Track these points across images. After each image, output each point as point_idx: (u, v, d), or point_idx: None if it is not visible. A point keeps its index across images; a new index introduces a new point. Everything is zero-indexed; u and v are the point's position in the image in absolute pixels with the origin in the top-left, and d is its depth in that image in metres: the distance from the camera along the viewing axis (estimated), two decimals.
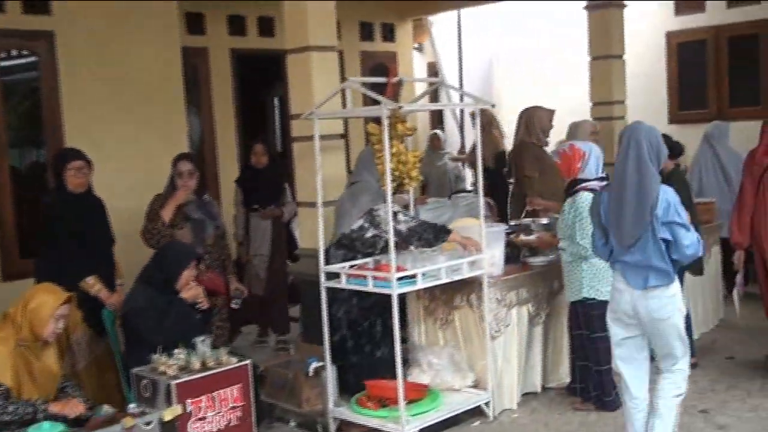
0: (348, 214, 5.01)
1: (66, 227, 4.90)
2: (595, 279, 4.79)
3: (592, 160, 4.86)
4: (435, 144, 9.57)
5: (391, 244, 4.29)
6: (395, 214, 4.86)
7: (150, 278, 4.59)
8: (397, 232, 4.85)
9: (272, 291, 6.71)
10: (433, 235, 4.79)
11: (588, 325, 4.84)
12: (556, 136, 6.88)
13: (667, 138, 5.95)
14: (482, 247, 4.86)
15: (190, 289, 4.61)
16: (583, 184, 4.80)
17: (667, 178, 5.76)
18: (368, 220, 4.92)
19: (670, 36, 9.99)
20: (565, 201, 4.92)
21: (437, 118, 11.66)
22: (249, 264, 6.73)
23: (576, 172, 4.84)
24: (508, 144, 7.50)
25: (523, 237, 5.37)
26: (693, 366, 5.70)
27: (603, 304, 4.74)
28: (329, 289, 4.76)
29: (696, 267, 5.97)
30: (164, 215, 5.23)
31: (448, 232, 4.87)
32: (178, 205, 5.31)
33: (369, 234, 4.91)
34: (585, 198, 4.73)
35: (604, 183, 4.88)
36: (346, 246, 5.01)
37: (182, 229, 5.32)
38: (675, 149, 5.92)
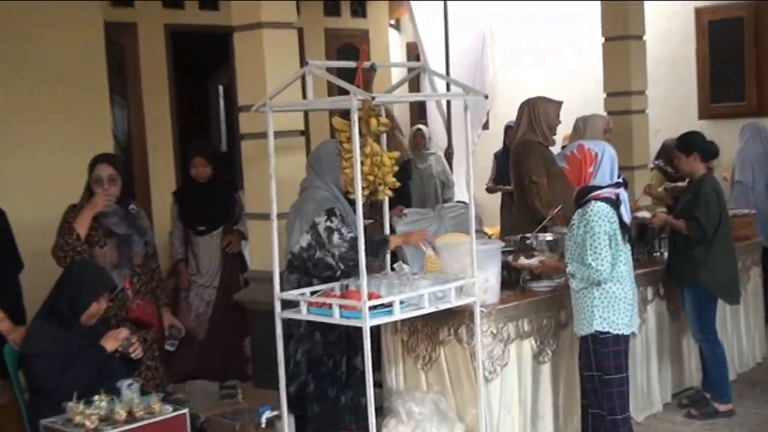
0: (294, 228, 5.04)
1: None
2: (609, 309, 4.81)
3: (606, 162, 4.89)
4: (418, 142, 9.57)
5: (362, 267, 4.28)
6: (330, 232, 4.91)
7: (52, 309, 4.54)
8: (320, 264, 4.93)
9: (225, 334, 6.52)
10: (371, 253, 4.82)
11: (600, 365, 4.86)
12: (562, 134, 6.93)
13: (699, 137, 6.04)
14: (427, 236, 5.02)
15: (111, 337, 4.57)
16: (596, 192, 4.83)
17: (698, 185, 5.84)
18: (313, 237, 4.94)
19: (700, 12, 10.08)
20: (574, 213, 4.94)
21: (419, 111, 11.70)
22: (185, 295, 6.58)
23: (588, 178, 4.88)
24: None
25: (523, 260, 5.37)
26: (728, 414, 5.77)
27: (618, 339, 4.80)
28: (285, 323, 4.74)
29: (730, 294, 6.03)
30: (79, 228, 5.18)
31: (386, 242, 4.99)
32: (96, 217, 5.26)
33: (318, 254, 4.93)
34: (598, 209, 4.76)
35: (621, 189, 4.92)
36: (299, 269, 5.01)
37: (104, 247, 5.29)
38: (709, 151, 5.99)
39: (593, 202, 4.81)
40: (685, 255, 5.88)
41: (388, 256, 5.19)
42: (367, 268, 4.83)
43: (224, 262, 6.58)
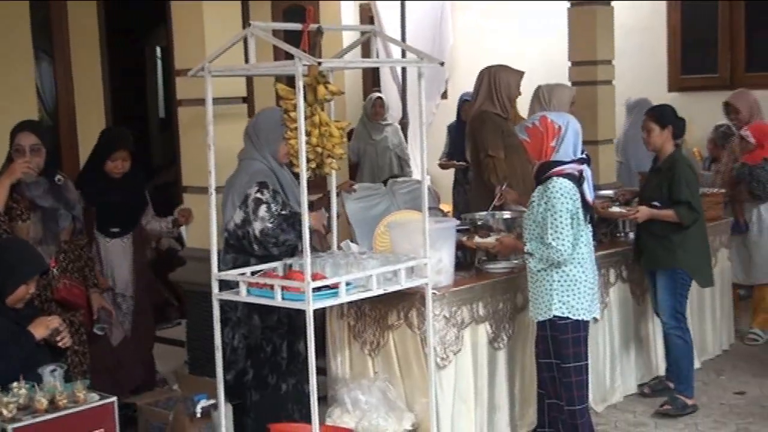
0: (227, 204, 4.99)
1: None
2: (568, 292, 4.84)
3: (570, 136, 4.89)
4: (376, 112, 9.54)
5: (306, 245, 4.25)
6: (257, 204, 4.88)
7: None
8: (246, 237, 4.89)
9: (135, 348, 6.18)
10: (295, 235, 4.77)
11: (558, 353, 4.89)
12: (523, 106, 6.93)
13: (673, 110, 6.03)
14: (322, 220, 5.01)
15: (42, 324, 4.49)
16: (558, 168, 4.83)
17: (672, 165, 5.81)
18: (246, 212, 4.92)
19: None
20: (534, 190, 4.94)
21: (372, 79, 11.66)
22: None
23: (549, 153, 4.87)
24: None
25: (478, 239, 5.36)
26: (692, 409, 5.82)
27: (577, 325, 4.84)
28: (221, 306, 4.71)
29: (705, 276, 6.07)
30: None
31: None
32: (19, 189, 5.17)
33: (254, 229, 4.90)
34: (560, 186, 4.77)
35: (584, 166, 4.92)
36: (235, 248, 4.98)
37: (26, 221, 5.20)
38: (680, 127, 6.00)
39: (555, 178, 4.81)
40: (662, 239, 5.85)
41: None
42: (290, 247, 4.84)
43: (137, 267, 6.19)
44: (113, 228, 6.08)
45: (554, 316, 4.85)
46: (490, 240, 5.29)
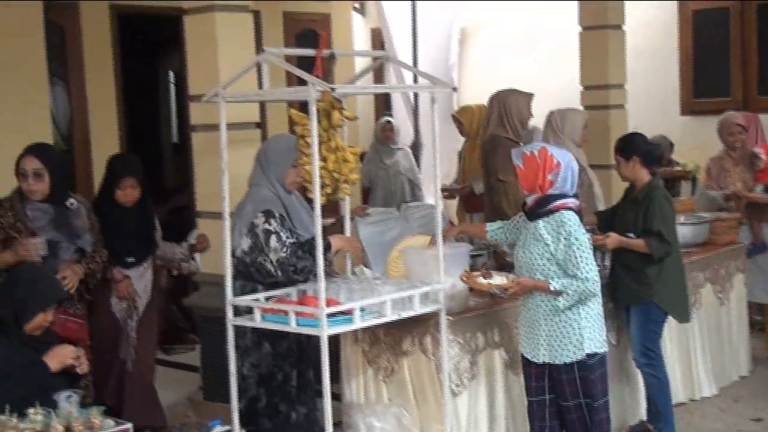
0: (234, 231, 4.94)
1: None
2: (594, 327, 4.66)
3: (568, 175, 4.68)
4: (386, 136, 9.53)
5: (320, 270, 4.24)
6: (267, 235, 4.85)
7: None
8: (263, 270, 4.86)
9: (138, 373, 5.90)
10: (313, 260, 4.66)
11: (588, 392, 4.67)
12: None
13: (640, 139, 5.75)
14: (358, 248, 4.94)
15: (57, 356, 4.45)
16: (563, 201, 4.64)
17: (646, 194, 5.57)
18: (253, 240, 4.90)
19: (684, 1, 10.15)
20: (533, 224, 4.69)
21: (384, 103, 11.68)
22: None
23: (545, 186, 4.63)
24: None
25: (483, 280, 4.80)
26: None
27: (603, 359, 4.71)
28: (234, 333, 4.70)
29: (682, 310, 5.81)
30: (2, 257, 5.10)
31: (329, 247, 4.82)
32: (20, 217, 5.18)
33: (259, 258, 4.88)
34: (574, 218, 4.60)
35: (579, 202, 4.75)
36: (243, 274, 4.96)
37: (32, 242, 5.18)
38: (650, 155, 5.71)
39: (563, 211, 4.61)
40: (636, 273, 5.59)
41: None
42: (307, 272, 4.81)
43: (154, 296, 5.99)
44: (128, 258, 5.84)
45: (586, 355, 4.63)
46: (504, 281, 4.82)
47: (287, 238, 4.85)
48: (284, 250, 4.82)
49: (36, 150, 5.34)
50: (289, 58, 4.73)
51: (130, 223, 5.80)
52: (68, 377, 4.50)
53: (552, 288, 4.54)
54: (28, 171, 5.22)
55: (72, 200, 5.43)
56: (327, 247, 4.78)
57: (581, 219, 4.67)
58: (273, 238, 4.84)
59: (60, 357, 4.45)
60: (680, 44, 10.16)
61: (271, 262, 4.83)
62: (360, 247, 5.11)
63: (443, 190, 8.92)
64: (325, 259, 4.80)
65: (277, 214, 4.91)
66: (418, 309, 4.68)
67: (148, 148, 10.94)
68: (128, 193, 5.76)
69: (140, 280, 5.88)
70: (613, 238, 5.55)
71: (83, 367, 4.55)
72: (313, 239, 4.74)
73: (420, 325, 4.95)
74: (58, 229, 5.29)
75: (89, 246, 5.42)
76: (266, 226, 4.87)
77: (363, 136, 10.52)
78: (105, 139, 8.79)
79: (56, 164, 5.37)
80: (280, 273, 4.86)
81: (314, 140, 4.22)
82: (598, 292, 4.63)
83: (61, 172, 5.40)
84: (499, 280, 4.79)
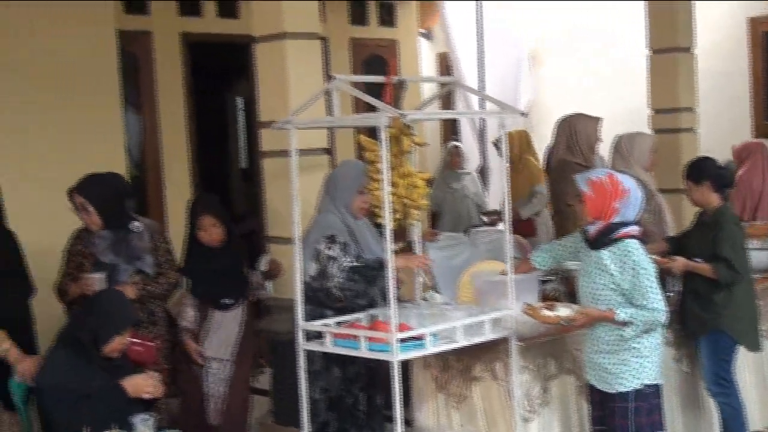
0: (304, 257, 4.94)
1: None
2: (654, 357, 4.59)
3: (634, 201, 4.62)
4: (454, 161, 9.56)
5: (392, 296, 4.24)
6: (329, 261, 4.88)
7: (72, 339, 4.53)
8: (330, 295, 4.88)
9: (231, 415, 5.82)
10: (364, 285, 4.77)
11: (641, 424, 4.58)
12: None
13: (710, 163, 5.65)
14: (427, 263, 4.90)
15: (136, 386, 4.50)
16: (626, 230, 4.57)
17: (716, 218, 5.50)
18: (319, 265, 4.94)
19: (754, 22, 10.03)
20: (596, 253, 4.61)
21: (450, 128, 11.68)
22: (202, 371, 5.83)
23: (610, 214, 4.57)
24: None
25: (549, 313, 4.68)
26: None
27: (659, 390, 4.65)
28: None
29: (753, 339, 5.69)
30: (70, 290, 5.29)
31: (382, 265, 4.75)
32: (85, 243, 5.35)
33: (327, 283, 4.91)
34: (639, 247, 4.54)
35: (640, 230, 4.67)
36: (311, 299, 4.98)
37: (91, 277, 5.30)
38: (721, 178, 5.60)
39: (627, 240, 4.54)
40: (704, 300, 5.49)
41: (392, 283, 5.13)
42: (365, 296, 4.82)
43: (246, 333, 5.84)
44: (224, 299, 5.70)
45: (643, 385, 4.58)
46: (569, 312, 4.71)
47: (345, 263, 4.88)
48: (341, 276, 4.86)
49: (78, 186, 5.43)
50: (356, 84, 4.77)
51: (218, 263, 5.65)
52: (144, 401, 4.56)
53: (618, 319, 4.47)
54: (78, 206, 5.37)
55: (137, 224, 5.49)
56: (380, 266, 4.79)
57: (644, 245, 4.60)
58: (332, 264, 4.88)
59: (137, 388, 4.49)
60: (751, 66, 10.03)
61: (332, 288, 4.87)
62: (426, 261, 5.07)
63: (484, 214, 8.92)
64: (381, 278, 4.80)
65: (339, 240, 4.93)
66: (489, 335, 4.65)
67: (217, 173, 11.08)
68: (210, 232, 5.60)
69: (234, 319, 5.74)
70: (679, 262, 5.48)
71: (158, 393, 4.60)
72: (368, 264, 4.82)
73: (490, 351, 4.92)
74: (116, 252, 5.38)
75: (150, 267, 5.44)
76: (328, 252, 4.90)
77: (430, 161, 10.54)
78: (175, 164, 8.95)
79: (98, 197, 5.37)
80: (344, 296, 4.90)
81: (384, 166, 4.23)
82: (665, 322, 4.55)
83: (106, 203, 5.40)
84: (564, 311, 4.68)
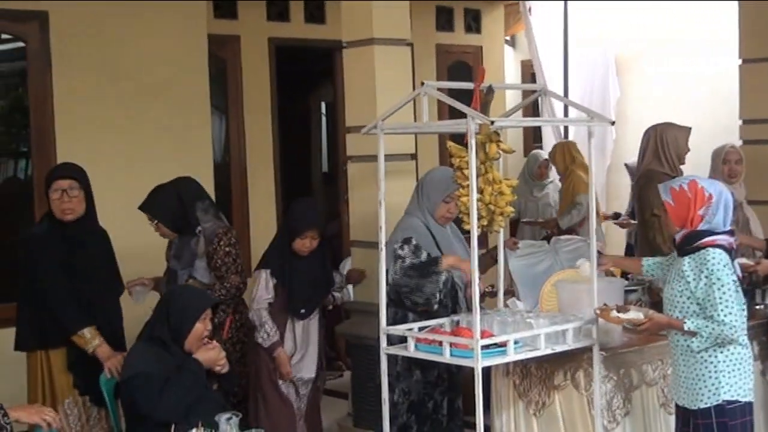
0: (387, 259, 4.97)
1: (50, 264, 5.04)
2: (735, 373, 4.44)
3: (721, 208, 4.51)
4: (541, 173, 9.54)
5: (476, 302, 4.26)
6: (396, 259, 4.96)
7: (152, 334, 4.63)
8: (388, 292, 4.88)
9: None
10: (417, 279, 4.87)
11: None
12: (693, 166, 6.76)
13: None
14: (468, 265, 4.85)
15: (208, 349, 4.62)
16: (710, 238, 4.46)
17: None
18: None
19: None
20: (680, 259, 4.58)
21: (531, 136, 11.64)
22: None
23: (695, 222, 4.49)
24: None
25: (618, 314, 4.59)
26: None
27: (745, 409, 4.48)
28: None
29: None
30: None
31: (437, 261, 4.91)
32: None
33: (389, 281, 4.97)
34: (720, 257, 4.42)
35: (734, 239, 4.57)
36: (394, 302, 5.03)
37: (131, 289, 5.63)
38: None
39: (710, 249, 4.43)
40: None
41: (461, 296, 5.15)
42: (419, 292, 4.90)
43: (320, 346, 5.80)
44: (302, 309, 5.66)
45: (723, 401, 4.44)
46: (639, 316, 4.63)
47: (412, 260, 4.95)
48: (399, 272, 4.93)
49: (143, 204, 5.61)
50: (442, 90, 4.78)
51: (304, 272, 5.63)
52: (221, 387, 4.65)
53: (686, 328, 4.40)
54: (149, 220, 5.58)
55: (199, 227, 5.59)
56: (435, 262, 4.94)
57: (732, 257, 4.49)
58: (398, 263, 4.96)
59: (210, 361, 4.59)
60: None
61: (389, 284, 4.90)
62: (469, 267, 5.03)
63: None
64: (434, 274, 4.90)
65: (414, 242, 4.98)
66: (572, 343, 4.64)
67: (301, 178, 11.18)
68: (307, 243, 5.59)
69: (312, 329, 5.73)
70: (764, 265, 5.41)
71: (223, 367, 4.67)
72: (423, 261, 4.93)
73: (573, 360, 4.91)
74: (177, 258, 5.58)
75: (200, 273, 5.55)
76: (399, 251, 4.97)
77: (512, 168, 10.51)
78: (261, 168, 9.04)
79: (161, 210, 5.56)
80: (401, 295, 4.97)
81: (472, 172, 4.25)
82: (739, 339, 4.41)
83: (170, 214, 5.56)
84: (634, 315, 4.61)
